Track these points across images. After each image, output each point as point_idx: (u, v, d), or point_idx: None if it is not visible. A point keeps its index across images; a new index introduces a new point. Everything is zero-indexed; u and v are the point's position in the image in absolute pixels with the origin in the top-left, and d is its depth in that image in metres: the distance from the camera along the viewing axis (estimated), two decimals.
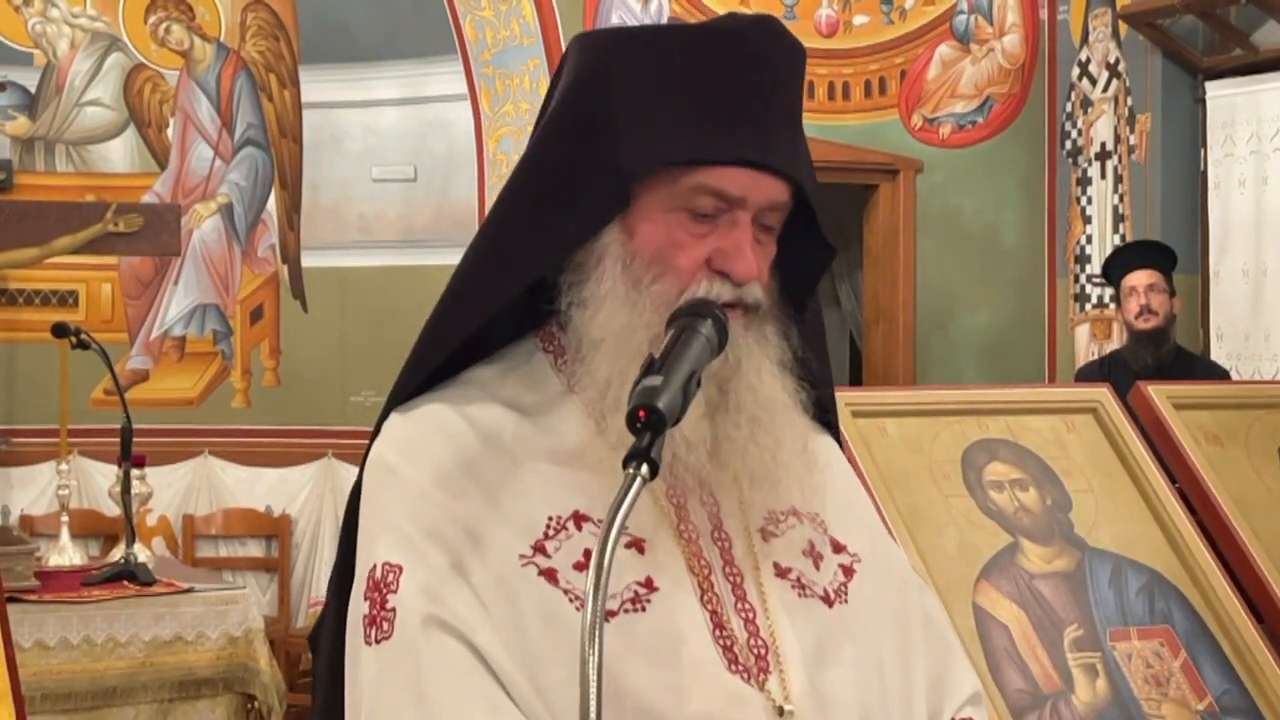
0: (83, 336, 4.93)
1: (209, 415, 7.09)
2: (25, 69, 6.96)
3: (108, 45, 7.04)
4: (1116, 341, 6.44)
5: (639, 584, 1.48)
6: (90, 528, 6.45)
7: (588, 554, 1.47)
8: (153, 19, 7.06)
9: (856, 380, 8.99)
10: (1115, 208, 6.90)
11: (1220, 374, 5.62)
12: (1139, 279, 5.44)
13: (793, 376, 1.57)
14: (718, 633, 1.50)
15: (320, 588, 6.84)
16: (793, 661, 1.51)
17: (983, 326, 7.42)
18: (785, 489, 1.56)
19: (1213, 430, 2.73)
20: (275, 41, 7.15)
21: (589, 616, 1.24)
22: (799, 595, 1.56)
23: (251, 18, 7.13)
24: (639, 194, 1.53)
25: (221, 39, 7.13)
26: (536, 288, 1.57)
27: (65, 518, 5.09)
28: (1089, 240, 7.06)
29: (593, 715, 1.23)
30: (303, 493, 7.01)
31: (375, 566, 1.49)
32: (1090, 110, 7.06)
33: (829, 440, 1.70)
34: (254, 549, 7.02)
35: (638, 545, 1.50)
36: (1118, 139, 6.88)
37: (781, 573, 1.56)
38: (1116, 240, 6.78)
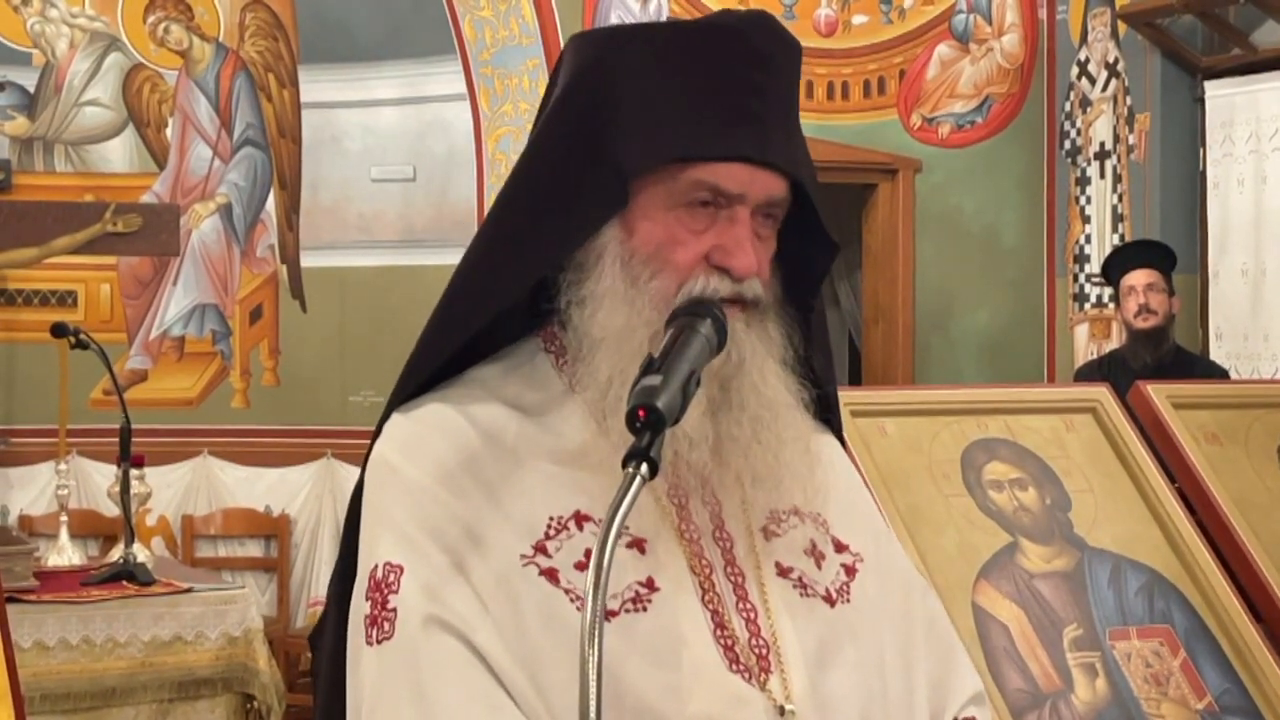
0: (82, 336, 4.93)
1: (208, 415, 7.09)
2: (24, 69, 6.96)
3: (106, 45, 7.04)
4: (1116, 341, 6.44)
5: (640, 584, 1.48)
6: (89, 528, 6.45)
7: (589, 554, 1.46)
8: (151, 19, 7.06)
9: (856, 380, 8.99)
10: (1114, 207, 6.90)
11: (1219, 373, 5.62)
12: (1138, 278, 5.44)
13: (795, 375, 1.57)
14: (719, 633, 1.50)
15: (319, 588, 6.84)
16: (794, 661, 1.51)
17: (982, 326, 7.42)
18: (787, 488, 1.56)
19: (1212, 430, 2.73)
20: (274, 41, 7.15)
21: (589, 616, 1.24)
22: (801, 595, 1.56)
23: (250, 17, 7.13)
24: (637, 191, 1.53)
25: (220, 39, 7.13)
26: (538, 286, 1.58)
27: (64, 518, 5.09)
28: (1088, 240, 7.06)
29: (592, 715, 1.23)
30: (302, 493, 7.01)
31: (376, 566, 1.50)
32: (1089, 110, 7.06)
33: (831, 439, 1.70)
34: (253, 549, 7.02)
35: (639, 545, 1.50)
36: (1117, 139, 6.88)
37: (783, 572, 1.56)
38: (1116, 240, 6.78)
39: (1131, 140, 6.77)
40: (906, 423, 2.52)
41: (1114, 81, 6.90)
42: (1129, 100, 6.80)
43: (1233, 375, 5.91)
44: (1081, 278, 7.11)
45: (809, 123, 7.60)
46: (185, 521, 6.92)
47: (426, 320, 1.61)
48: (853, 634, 1.57)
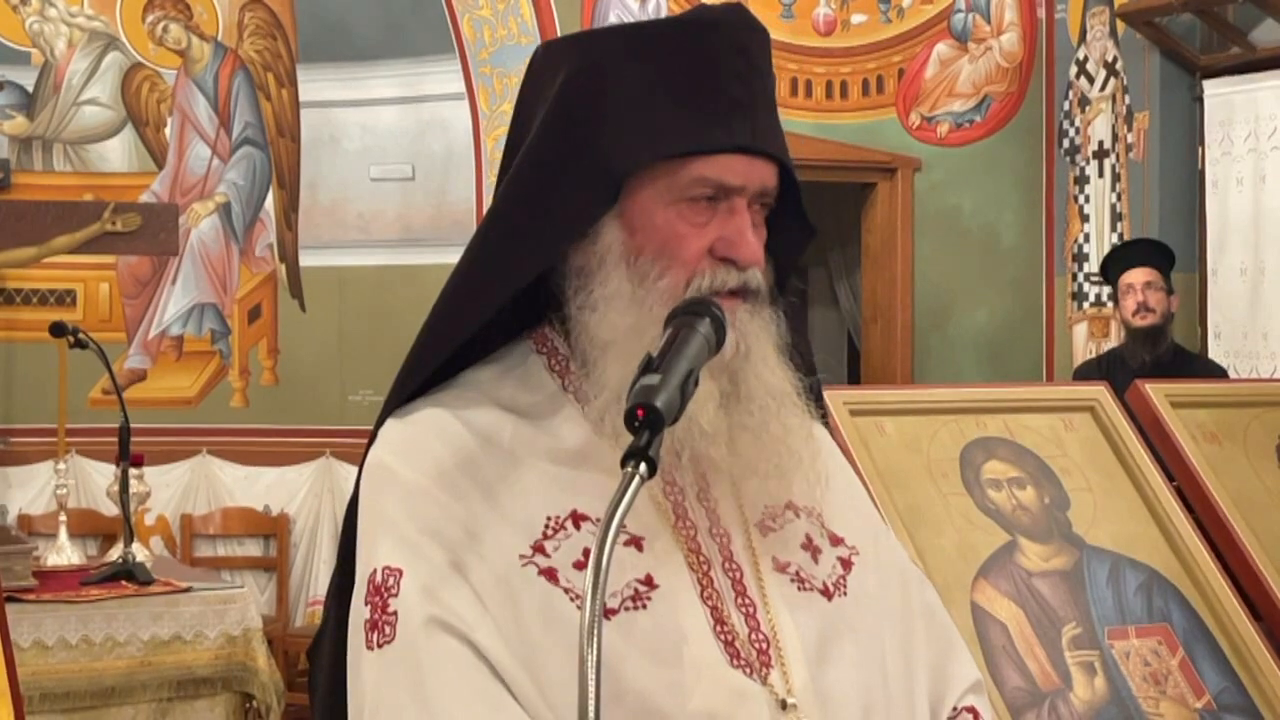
0: (81, 336, 4.93)
1: (207, 414, 7.08)
2: (23, 68, 6.95)
3: (105, 44, 7.04)
4: (1114, 340, 6.45)
5: (639, 581, 1.48)
6: (88, 527, 6.45)
7: (587, 553, 1.47)
8: (150, 18, 7.06)
9: (855, 379, 8.99)
10: (1113, 206, 6.90)
11: (1218, 372, 5.62)
12: (1137, 277, 5.44)
13: (791, 364, 1.58)
14: (719, 628, 1.50)
15: (319, 587, 6.84)
16: (794, 655, 1.52)
17: (981, 325, 7.43)
18: (792, 478, 1.57)
19: (1210, 428, 2.73)
20: (273, 40, 7.15)
21: (587, 615, 1.24)
22: (798, 589, 1.57)
23: (249, 17, 7.12)
24: (636, 190, 1.53)
25: (219, 38, 7.13)
26: (529, 290, 1.58)
27: (63, 517, 5.09)
28: (1087, 239, 7.07)
29: (591, 714, 1.23)
30: (301, 492, 7.01)
31: (376, 571, 1.50)
32: (1088, 109, 7.06)
33: (824, 429, 1.70)
34: (252, 548, 7.02)
35: (636, 543, 1.50)
36: (1115, 137, 6.88)
37: (780, 567, 1.57)
38: (1114, 239, 6.79)
39: (1130, 139, 6.77)
40: (905, 422, 2.52)
41: (1113, 80, 6.90)
42: (1127, 99, 6.80)
43: (1231, 374, 5.91)
44: (1080, 276, 7.12)
45: (808, 122, 7.63)
46: (184, 521, 6.92)
47: (423, 322, 1.62)
48: (851, 627, 1.58)
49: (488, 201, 6.78)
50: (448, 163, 7.06)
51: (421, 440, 1.54)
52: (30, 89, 6.97)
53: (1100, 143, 6.98)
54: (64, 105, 7.00)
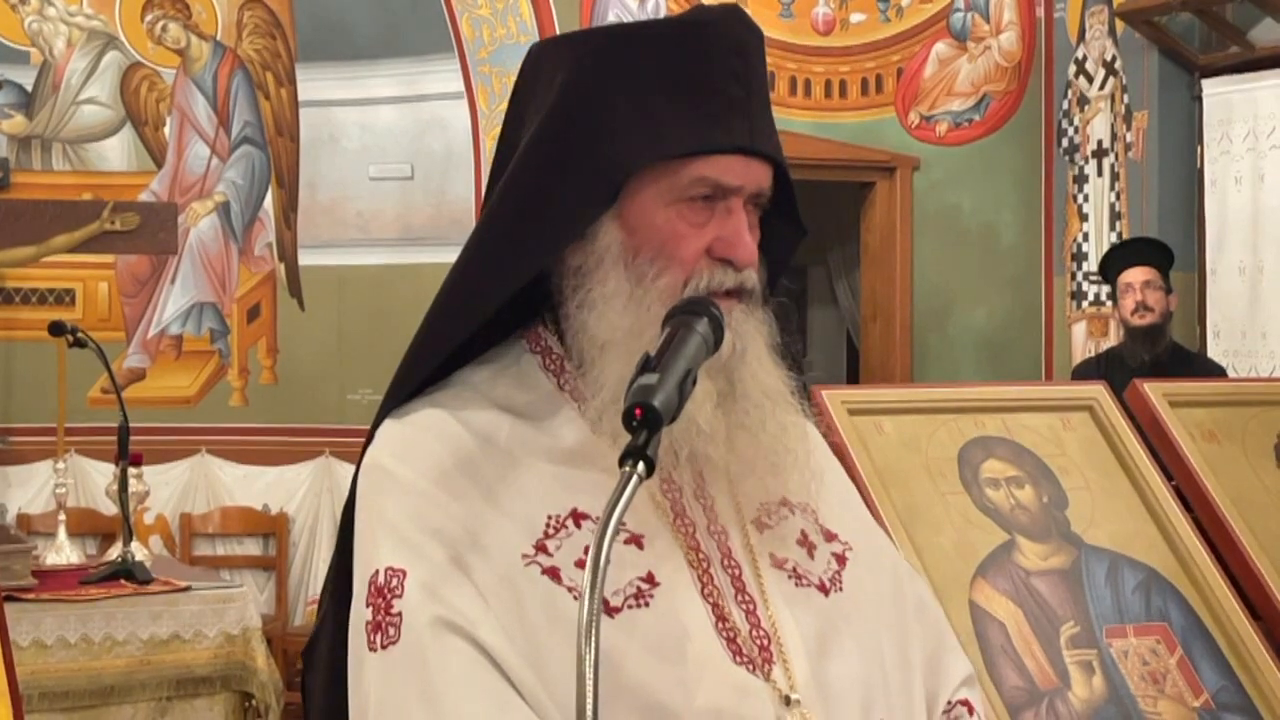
0: (80, 335, 4.93)
1: (206, 414, 7.08)
2: (22, 67, 6.95)
3: (104, 43, 7.04)
4: (1113, 339, 6.45)
5: (641, 579, 1.49)
6: (87, 526, 6.45)
7: (588, 551, 1.47)
8: (149, 17, 7.06)
9: (854, 378, 8.99)
10: (1112, 205, 6.90)
11: (1217, 371, 5.62)
12: (1135, 276, 5.44)
13: (783, 363, 1.59)
14: (720, 625, 1.51)
15: (318, 586, 6.83)
16: (795, 651, 1.53)
17: (980, 324, 7.43)
18: (788, 475, 1.58)
19: (1209, 427, 2.73)
20: (272, 40, 7.15)
21: (585, 614, 1.24)
22: (796, 585, 1.57)
23: (248, 16, 7.12)
24: (635, 190, 1.54)
25: (218, 37, 7.13)
26: (528, 292, 1.58)
27: (62, 516, 5.09)
28: (1086, 238, 7.07)
29: (589, 713, 1.23)
30: (300, 491, 7.01)
31: (377, 572, 1.49)
32: (1087, 108, 7.06)
33: (813, 426, 1.71)
34: (251, 547, 7.03)
35: (637, 541, 1.51)
36: (1114, 136, 6.89)
37: (778, 563, 1.58)
38: (1113, 238, 6.79)
39: (1129, 138, 6.77)
40: (904, 421, 2.53)
41: (1111, 79, 6.90)
42: (1126, 98, 6.80)
43: (1230, 373, 5.91)
44: (1079, 276, 7.12)
45: (807, 121, 7.62)
46: (183, 520, 6.92)
47: (421, 322, 1.62)
48: (849, 622, 1.59)
49: None
50: (447, 162, 7.07)
51: (420, 441, 1.55)
52: (29, 88, 6.97)
53: (1099, 142, 6.98)
54: (63, 104, 7.00)
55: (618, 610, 1.46)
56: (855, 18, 7.31)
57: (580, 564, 1.47)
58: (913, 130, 7.35)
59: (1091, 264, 6.90)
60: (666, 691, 1.45)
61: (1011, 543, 2.43)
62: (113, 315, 7.05)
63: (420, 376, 1.59)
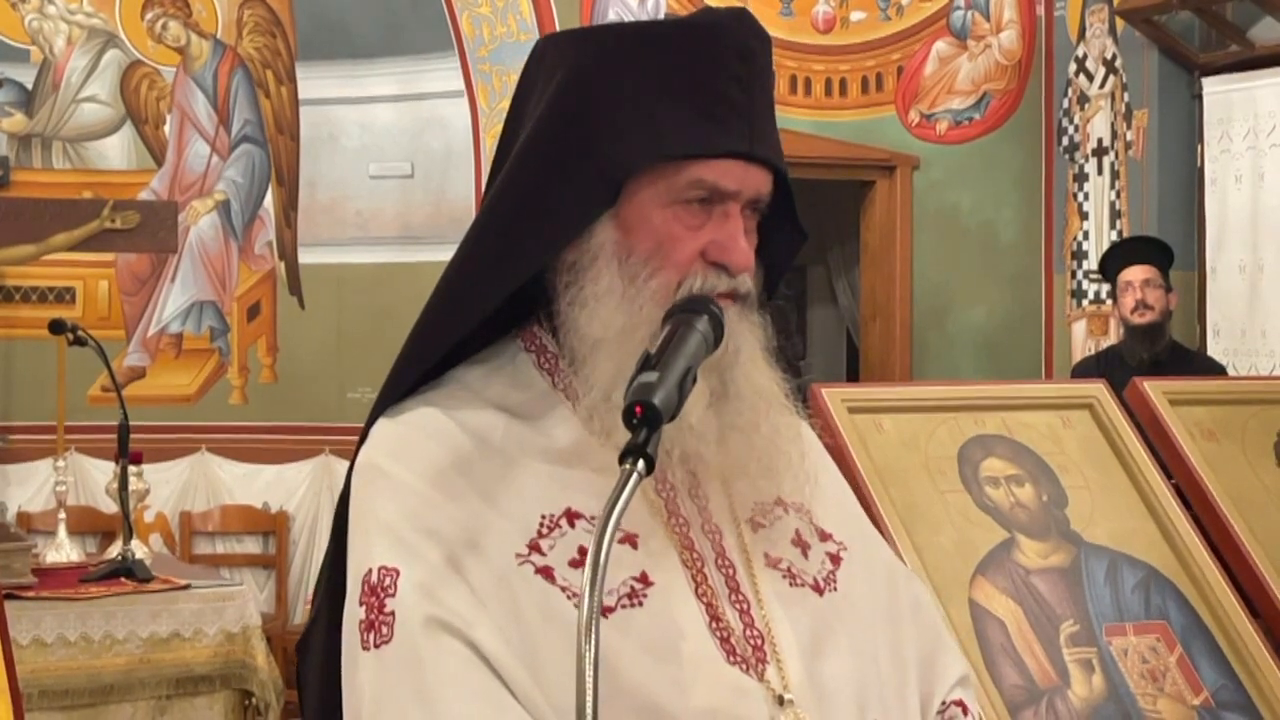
0: (80, 333, 4.93)
1: (206, 412, 7.08)
2: (22, 65, 6.95)
3: (104, 42, 7.04)
4: (1113, 337, 6.45)
5: (634, 579, 1.49)
6: (87, 524, 6.45)
7: (582, 551, 1.47)
8: (149, 15, 7.05)
9: (853, 376, 8.99)
10: (1112, 204, 6.90)
11: (1216, 370, 5.62)
12: (1135, 274, 5.44)
13: (777, 364, 1.59)
14: (714, 625, 1.51)
15: None
16: (789, 651, 1.52)
17: (979, 323, 7.43)
18: (782, 476, 1.58)
19: (1208, 426, 2.73)
20: (272, 38, 7.15)
21: (585, 611, 1.24)
22: (790, 585, 1.57)
23: (248, 14, 7.12)
24: (632, 191, 1.53)
25: (218, 35, 7.13)
26: (521, 289, 1.58)
27: (62, 514, 5.09)
28: (1086, 236, 7.07)
29: (589, 712, 1.23)
30: (300, 489, 7.01)
31: (370, 571, 1.49)
32: (1087, 106, 7.06)
33: (807, 427, 1.71)
34: (251, 546, 7.03)
35: (631, 540, 1.50)
36: (1114, 135, 6.89)
37: (772, 563, 1.58)
38: (1113, 236, 6.79)
39: (1129, 137, 6.77)
40: (903, 419, 2.53)
41: (1112, 78, 6.90)
42: (1127, 97, 6.80)
43: (1230, 371, 5.91)
44: (1079, 274, 7.12)
45: (807, 119, 7.61)
46: (183, 518, 6.92)
47: (416, 321, 1.61)
48: (843, 621, 1.58)
49: None
50: (447, 161, 7.06)
51: (414, 440, 1.54)
52: (29, 86, 6.97)
53: (1099, 140, 6.98)
54: (63, 103, 7.00)
55: (612, 610, 1.46)
56: (855, 16, 7.31)
57: (574, 563, 1.47)
58: (913, 129, 7.35)
59: (1091, 262, 6.90)
60: (661, 692, 1.45)
61: (1011, 541, 2.43)
62: (113, 313, 7.05)
63: (415, 376, 1.59)
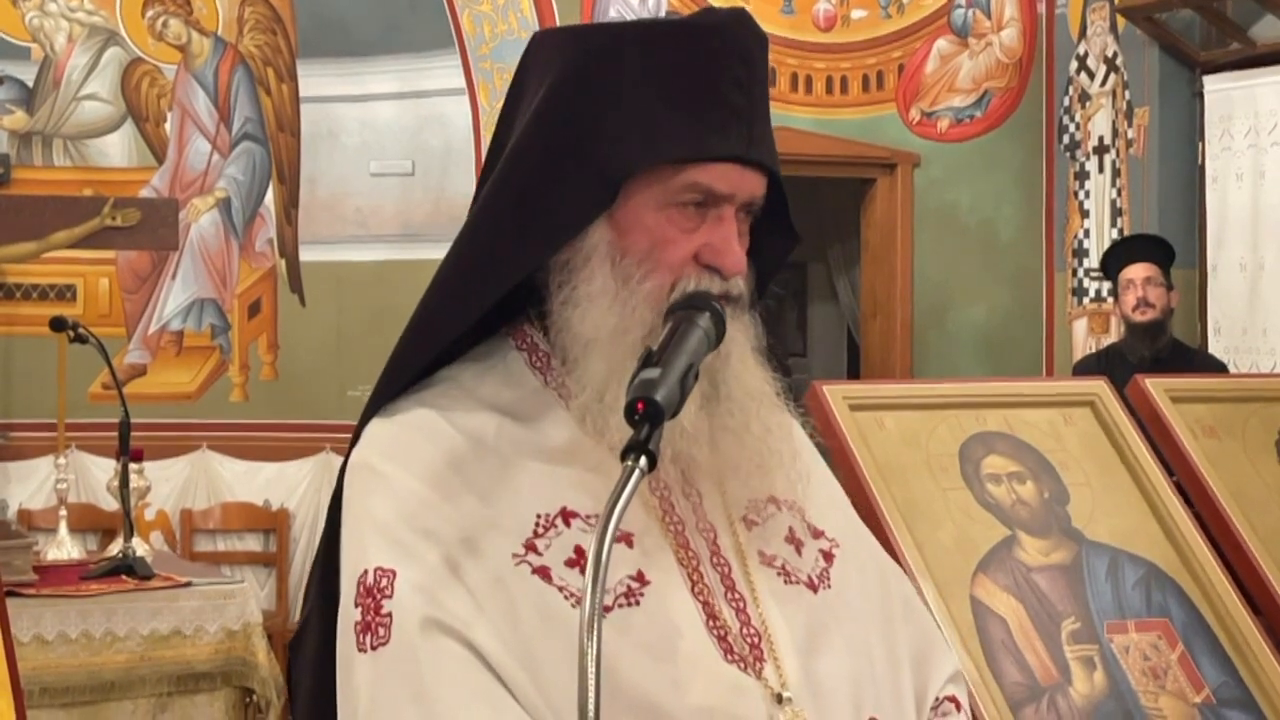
0: (80, 330, 4.93)
1: (207, 409, 7.09)
2: (23, 63, 6.95)
3: (105, 39, 7.04)
4: (1114, 335, 6.45)
5: (631, 578, 1.48)
6: (88, 522, 6.45)
7: (579, 550, 1.47)
8: (150, 13, 7.05)
9: (854, 374, 8.99)
10: (1113, 202, 6.90)
11: (1217, 367, 5.62)
12: (1136, 272, 5.44)
13: (768, 364, 1.59)
14: (711, 623, 1.51)
15: None
16: (786, 649, 1.52)
17: (980, 320, 7.43)
18: (772, 476, 1.58)
19: (1210, 423, 2.73)
20: (273, 36, 7.15)
21: (587, 610, 1.23)
22: (785, 582, 1.57)
23: (249, 12, 7.12)
24: (629, 192, 1.53)
25: (219, 33, 7.13)
26: (514, 288, 1.57)
27: (63, 512, 5.09)
28: (1087, 234, 7.07)
29: (591, 711, 1.23)
30: (301, 487, 7.01)
31: (366, 572, 1.48)
32: (1088, 104, 7.06)
33: (799, 426, 1.70)
34: (252, 543, 7.03)
35: (627, 539, 1.50)
36: (1115, 133, 6.88)
37: (766, 561, 1.58)
38: (1114, 234, 6.79)
39: (1130, 135, 6.77)
40: (904, 417, 2.52)
41: (1113, 76, 6.90)
42: (1128, 95, 6.80)
43: (1231, 369, 5.91)
44: (1080, 272, 7.12)
45: (807, 117, 7.61)
46: (184, 516, 6.92)
47: (409, 320, 1.60)
48: (837, 619, 1.59)
49: None
50: (447, 158, 7.06)
51: (409, 440, 1.54)
52: (30, 84, 6.97)
53: (1100, 138, 6.98)
54: (64, 100, 7.00)
55: (609, 609, 1.45)
56: (856, 14, 7.31)
57: (570, 563, 1.47)
58: (914, 126, 7.35)
59: (1092, 260, 6.90)
60: (659, 691, 1.44)
61: (1012, 538, 2.43)
62: (114, 311, 7.05)
63: (408, 376, 1.58)
